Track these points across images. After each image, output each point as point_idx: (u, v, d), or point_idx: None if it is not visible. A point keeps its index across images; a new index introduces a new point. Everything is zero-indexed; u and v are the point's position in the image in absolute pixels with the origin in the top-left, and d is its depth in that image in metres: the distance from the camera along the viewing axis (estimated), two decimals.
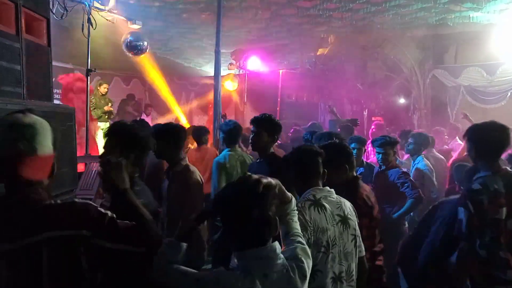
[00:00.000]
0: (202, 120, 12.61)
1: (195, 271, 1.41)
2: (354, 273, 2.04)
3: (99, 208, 1.41)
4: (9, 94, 2.14)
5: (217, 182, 3.51)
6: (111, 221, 1.38)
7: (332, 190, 2.10)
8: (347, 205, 2.10)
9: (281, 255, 1.37)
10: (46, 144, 1.39)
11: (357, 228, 2.09)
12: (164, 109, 11.86)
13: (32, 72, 2.34)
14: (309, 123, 6.18)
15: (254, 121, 3.14)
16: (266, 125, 3.10)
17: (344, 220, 2.02)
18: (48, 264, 1.28)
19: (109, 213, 1.40)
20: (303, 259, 1.44)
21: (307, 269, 1.42)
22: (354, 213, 2.12)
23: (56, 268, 1.30)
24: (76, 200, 1.44)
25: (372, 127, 6.97)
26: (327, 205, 1.98)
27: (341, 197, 2.12)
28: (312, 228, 1.88)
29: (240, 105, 11.00)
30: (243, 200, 1.32)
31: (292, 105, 9.56)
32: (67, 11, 3.77)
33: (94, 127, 8.20)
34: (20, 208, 1.30)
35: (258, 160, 3.24)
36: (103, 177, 1.55)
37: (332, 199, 2.05)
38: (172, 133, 2.80)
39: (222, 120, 5.20)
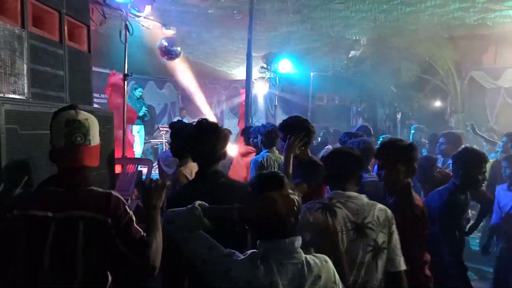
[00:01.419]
0: (232, 123, 12.72)
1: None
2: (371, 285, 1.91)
3: (126, 206, 1.67)
4: (53, 98, 2.25)
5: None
6: (129, 222, 1.64)
7: (362, 195, 2.00)
8: (375, 215, 1.95)
9: (300, 250, 1.43)
10: (96, 135, 1.70)
11: (381, 240, 1.93)
12: (196, 112, 12.05)
13: (74, 77, 2.45)
14: (358, 125, 6.05)
15: (283, 126, 2.91)
16: (296, 129, 2.81)
17: (359, 228, 1.90)
18: (83, 236, 1.57)
19: (131, 214, 1.66)
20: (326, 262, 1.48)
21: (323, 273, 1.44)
22: (384, 223, 1.96)
23: (89, 242, 1.58)
24: (113, 192, 1.69)
25: (412, 131, 6.75)
26: (339, 210, 1.90)
27: (373, 205, 1.98)
28: (313, 230, 1.85)
29: (271, 108, 11.02)
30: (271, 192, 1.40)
31: (324, 108, 9.49)
32: (105, 18, 3.92)
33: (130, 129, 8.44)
34: (71, 188, 1.62)
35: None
36: (145, 191, 1.74)
37: (352, 204, 1.94)
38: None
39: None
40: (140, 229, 1.66)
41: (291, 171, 2.66)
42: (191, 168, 2.84)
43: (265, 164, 3.60)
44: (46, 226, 1.55)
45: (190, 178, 2.69)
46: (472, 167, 2.78)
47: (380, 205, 2.01)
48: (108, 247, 1.60)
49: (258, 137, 3.97)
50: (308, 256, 1.44)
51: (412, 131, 6.66)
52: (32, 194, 1.67)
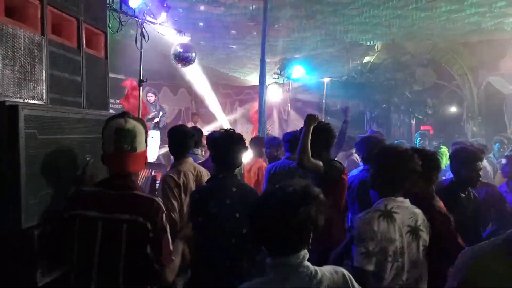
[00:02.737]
0: (245, 129, 12.74)
1: None
2: (424, 280, 2.08)
3: (165, 215, 1.85)
4: (71, 103, 2.29)
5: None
6: (163, 231, 1.81)
7: (407, 200, 2.09)
8: (420, 217, 2.10)
9: (307, 263, 1.37)
10: (142, 142, 1.87)
11: (428, 239, 2.09)
12: (209, 117, 12.11)
13: (91, 83, 2.49)
14: (369, 131, 6.04)
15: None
16: (318, 134, 2.87)
17: (414, 230, 2.04)
18: (126, 236, 1.74)
19: (167, 226, 1.85)
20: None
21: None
22: (427, 225, 2.11)
23: (130, 242, 1.75)
24: (156, 199, 1.86)
25: (418, 138, 6.69)
26: (397, 216, 2.00)
27: (415, 208, 2.11)
28: (379, 238, 1.94)
29: (284, 114, 11.02)
30: (283, 204, 1.33)
31: (337, 114, 9.42)
32: (122, 25, 3.98)
33: None
34: (118, 191, 1.80)
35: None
36: None
37: (405, 209, 2.06)
38: None
39: None
40: (171, 245, 1.86)
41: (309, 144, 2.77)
42: (184, 170, 3.03)
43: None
44: (95, 225, 1.73)
45: (179, 181, 2.95)
46: (465, 165, 2.86)
47: (417, 208, 2.13)
48: (142, 248, 1.76)
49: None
50: (318, 268, 1.39)
51: (418, 138, 6.56)
52: (85, 195, 1.82)
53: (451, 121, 9.82)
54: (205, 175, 3.16)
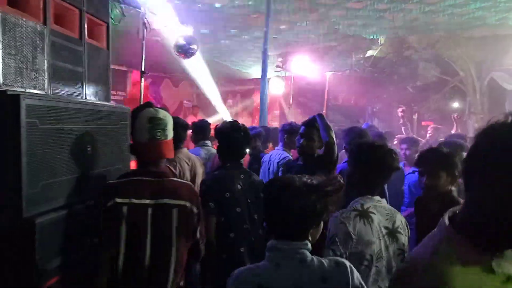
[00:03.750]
0: (247, 122, 12.74)
1: None
2: None
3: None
4: (72, 94, 2.29)
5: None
6: (201, 215, 1.99)
7: (383, 199, 1.97)
8: (399, 218, 1.96)
9: (304, 252, 1.39)
10: (171, 130, 1.95)
11: (406, 243, 1.94)
12: (210, 110, 12.11)
13: (93, 74, 2.48)
14: (364, 124, 6.03)
15: (307, 123, 3.01)
16: (317, 129, 2.95)
17: (391, 232, 1.89)
18: (177, 221, 1.83)
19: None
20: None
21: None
22: (406, 228, 1.98)
23: (180, 226, 1.84)
24: (191, 184, 2.06)
25: (429, 132, 6.65)
26: (374, 216, 1.86)
27: (393, 209, 1.99)
28: (355, 240, 1.78)
29: (286, 108, 11.00)
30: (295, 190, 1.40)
31: (339, 108, 9.41)
32: (124, 16, 3.96)
33: None
34: (157, 178, 1.87)
35: (299, 163, 3.09)
36: None
37: (381, 209, 1.92)
38: None
39: None
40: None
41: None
42: (179, 160, 3.16)
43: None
44: (145, 211, 1.80)
45: (175, 171, 3.06)
46: None
47: (394, 209, 2.01)
48: (192, 232, 1.89)
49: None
50: (317, 258, 1.40)
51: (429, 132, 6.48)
52: (126, 184, 1.86)
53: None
54: (198, 163, 3.33)
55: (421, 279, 0.85)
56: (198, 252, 2.03)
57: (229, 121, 2.76)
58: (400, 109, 6.95)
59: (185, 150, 3.35)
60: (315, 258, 1.40)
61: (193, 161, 3.28)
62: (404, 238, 1.93)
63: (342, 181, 1.49)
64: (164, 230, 1.82)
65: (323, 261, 1.39)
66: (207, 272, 2.52)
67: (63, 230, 1.90)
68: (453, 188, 2.36)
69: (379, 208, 1.91)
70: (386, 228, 1.88)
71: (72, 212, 1.97)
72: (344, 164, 3.52)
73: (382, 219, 1.89)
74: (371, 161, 1.92)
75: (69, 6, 2.29)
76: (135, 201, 1.80)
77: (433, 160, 2.32)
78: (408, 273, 0.91)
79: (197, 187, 3.32)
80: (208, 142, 4.20)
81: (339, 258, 1.46)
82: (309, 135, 2.98)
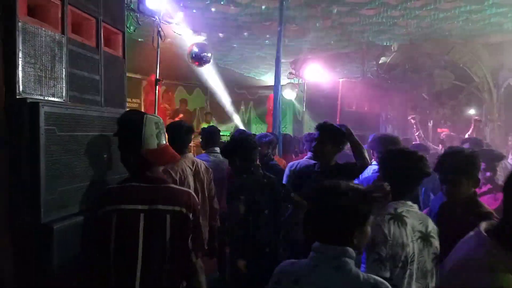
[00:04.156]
0: (260, 129, 12.75)
1: None
2: None
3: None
4: (89, 101, 2.33)
5: None
6: (199, 223, 1.90)
7: (415, 205, 2.00)
8: (431, 223, 1.99)
9: (348, 261, 1.38)
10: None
11: (439, 247, 1.97)
12: (223, 117, 12.16)
13: (109, 82, 2.52)
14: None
15: (319, 128, 3.00)
16: (331, 134, 2.93)
17: (425, 236, 1.93)
18: (170, 227, 1.76)
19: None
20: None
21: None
22: (437, 232, 2.00)
23: (174, 232, 1.77)
24: (190, 191, 1.94)
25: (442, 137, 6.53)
26: (408, 220, 1.90)
27: (424, 214, 2.03)
28: (391, 242, 1.82)
29: (298, 114, 10.98)
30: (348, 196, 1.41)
31: (352, 114, 9.34)
32: (139, 24, 4.03)
33: None
34: (154, 184, 1.81)
35: (317, 169, 3.05)
36: None
37: (414, 213, 1.96)
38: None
39: None
40: (203, 237, 1.96)
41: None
42: (181, 166, 3.14)
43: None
44: (137, 217, 1.73)
45: (175, 177, 3.05)
46: None
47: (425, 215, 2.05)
48: (185, 239, 1.80)
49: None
50: (360, 272, 1.38)
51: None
52: (118, 191, 1.80)
53: (470, 123, 9.62)
54: (204, 168, 3.31)
55: (476, 277, 0.97)
56: (190, 265, 1.86)
57: (238, 136, 3.00)
58: (410, 117, 6.88)
59: (189, 155, 3.33)
60: (354, 269, 1.37)
61: (197, 166, 3.26)
62: (437, 243, 1.96)
63: (388, 189, 1.52)
64: (157, 238, 1.74)
65: (361, 275, 1.37)
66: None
67: (80, 236, 1.92)
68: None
69: (412, 212, 1.95)
70: (420, 232, 1.92)
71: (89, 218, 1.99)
72: (375, 175, 3.48)
73: (416, 223, 1.93)
74: (402, 167, 1.98)
75: (86, 15, 2.34)
76: (125, 207, 1.73)
77: (451, 167, 2.25)
78: (462, 270, 1.02)
79: (202, 192, 3.31)
80: (217, 149, 4.16)
81: (380, 280, 1.40)
82: (320, 138, 2.96)
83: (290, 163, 3.88)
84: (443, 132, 7.18)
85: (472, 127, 6.12)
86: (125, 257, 1.70)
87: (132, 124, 1.81)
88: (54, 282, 1.76)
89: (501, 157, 3.54)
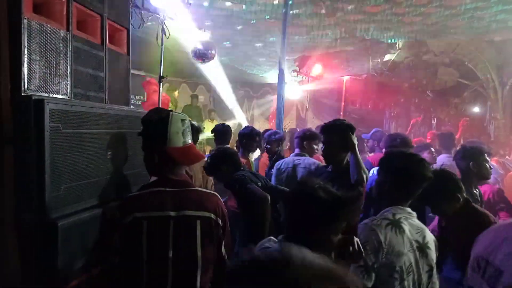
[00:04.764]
0: (263, 126, 12.75)
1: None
2: None
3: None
4: (93, 98, 2.33)
5: None
6: (228, 229, 1.85)
7: (414, 213, 1.90)
8: (428, 234, 1.89)
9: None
10: None
11: (434, 260, 1.88)
12: (227, 114, 12.16)
13: (113, 79, 2.52)
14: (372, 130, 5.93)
15: (324, 130, 2.87)
16: (337, 134, 2.78)
17: (422, 247, 1.81)
18: (200, 233, 1.70)
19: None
20: None
21: None
22: (434, 244, 1.91)
23: (205, 238, 1.71)
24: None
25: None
26: (406, 228, 1.79)
27: (422, 224, 1.92)
28: (386, 250, 1.72)
29: (302, 112, 10.96)
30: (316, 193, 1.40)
31: (356, 112, 9.33)
32: (144, 21, 4.02)
33: None
34: (180, 188, 1.74)
35: (328, 170, 2.96)
36: None
37: (412, 222, 1.86)
38: None
39: None
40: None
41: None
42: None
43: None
44: (167, 224, 1.67)
45: (190, 173, 3.20)
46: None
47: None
48: (217, 245, 1.74)
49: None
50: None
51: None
52: (144, 197, 1.73)
53: (474, 121, 9.58)
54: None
55: None
56: (223, 274, 1.79)
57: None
58: (413, 120, 6.88)
59: None
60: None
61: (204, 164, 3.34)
62: (433, 255, 1.86)
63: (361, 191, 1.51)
64: (187, 245, 1.70)
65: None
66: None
67: (85, 232, 1.92)
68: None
69: (410, 220, 1.85)
70: (416, 241, 1.81)
71: (94, 215, 2.00)
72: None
73: (413, 232, 1.82)
74: (401, 170, 1.87)
75: (91, 12, 2.34)
76: (155, 214, 1.68)
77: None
78: None
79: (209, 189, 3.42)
80: (229, 147, 4.21)
81: None
82: (327, 140, 2.86)
83: (277, 163, 3.88)
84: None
85: (459, 131, 6.11)
86: (156, 265, 1.67)
87: (157, 121, 1.76)
88: (59, 279, 1.76)
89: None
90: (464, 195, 2.30)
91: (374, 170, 3.76)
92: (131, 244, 1.66)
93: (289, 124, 11.61)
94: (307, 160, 3.69)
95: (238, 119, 11.88)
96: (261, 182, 2.86)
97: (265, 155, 4.62)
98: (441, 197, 2.21)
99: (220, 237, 1.77)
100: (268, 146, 4.36)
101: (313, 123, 9.26)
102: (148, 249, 1.65)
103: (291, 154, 3.93)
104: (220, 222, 1.75)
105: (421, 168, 1.87)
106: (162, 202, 1.70)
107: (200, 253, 1.70)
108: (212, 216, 1.73)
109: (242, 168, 2.98)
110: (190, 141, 1.78)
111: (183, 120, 1.77)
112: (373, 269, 1.70)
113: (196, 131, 3.34)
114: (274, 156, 4.29)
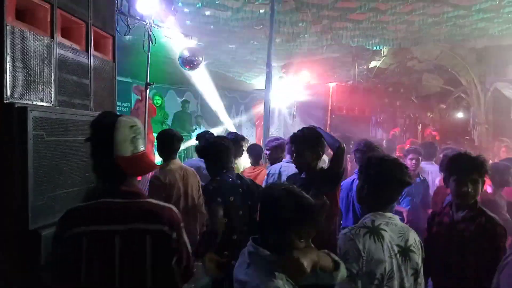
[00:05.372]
0: (251, 132, 12.76)
1: None
2: None
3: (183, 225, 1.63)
4: (78, 105, 2.30)
5: None
6: (186, 243, 1.61)
7: (396, 216, 1.88)
8: (412, 236, 1.86)
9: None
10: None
11: (420, 263, 1.85)
12: (214, 121, 12.14)
13: (99, 86, 2.50)
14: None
15: (292, 141, 2.87)
16: (305, 143, 2.78)
17: (404, 251, 1.78)
18: (151, 249, 1.49)
19: (187, 241, 1.63)
20: None
21: None
22: (419, 246, 1.88)
23: (157, 256, 1.51)
24: (172, 207, 1.62)
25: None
26: (385, 234, 1.77)
27: (406, 226, 1.90)
28: (365, 258, 1.69)
29: (289, 118, 11.01)
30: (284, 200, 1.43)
31: (343, 118, 9.41)
32: (130, 28, 4.01)
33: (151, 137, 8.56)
34: (130, 199, 1.53)
35: (302, 177, 2.93)
36: None
37: (393, 226, 1.82)
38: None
39: None
40: (191, 255, 1.64)
41: None
42: (171, 171, 3.28)
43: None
44: (111, 240, 1.47)
45: (165, 181, 3.19)
46: None
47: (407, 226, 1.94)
48: (168, 261, 1.54)
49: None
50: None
51: None
52: (89, 209, 1.53)
53: (458, 126, 9.77)
54: (192, 174, 3.43)
55: None
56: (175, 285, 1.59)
57: (211, 139, 2.91)
58: (391, 132, 6.99)
59: (177, 161, 3.47)
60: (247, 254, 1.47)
61: (185, 172, 3.37)
62: (417, 257, 1.83)
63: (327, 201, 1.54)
64: (137, 262, 1.49)
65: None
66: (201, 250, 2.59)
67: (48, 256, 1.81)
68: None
69: (391, 225, 1.82)
70: (398, 246, 1.78)
71: None
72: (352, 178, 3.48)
73: (395, 236, 1.79)
74: (380, 175, 1.84)
75: (76, 19, 2.33)
76: (98, 228, 1.46)
77: (466, 167, 2.23)
78: None
79: (191, 197, 3.37)
80: None
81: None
82: (296, 151, 2.84)
83: (269, 167, 3.92)
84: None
85: (420, 136, 6.23)
86: (100, 287, 1.47)
87: (104, 127, 1.54)
88: None
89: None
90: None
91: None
92: (70, 264, 1.45)
93: (277, 130, 11.66)
94: (291, 168, 3.70)
95: (226, 126, 11.88)
96: (234, 196, 2.69)
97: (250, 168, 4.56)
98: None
99: (173, 252, 1.55)
100: (268, 152, 4.33)
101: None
102: (88, 270, 1.44)
103: (283, 160, 3.96)
104: (174, 236, 1.54)
105: (399, 173, 1.84)
106: (106, 214, 1.49)
107: (150, 272, 1.50)
108: (165, 228, 1.52)
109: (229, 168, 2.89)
110: (142, 149, 1.58)
111: (132, 126, 1.55)
112: (360, 277, 1.69)
113: (177, 140, 3.38)
114: (276, 162, 4.22)
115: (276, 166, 3.87)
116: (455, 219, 2.28)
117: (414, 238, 1.86)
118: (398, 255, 1.76)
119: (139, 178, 3.85)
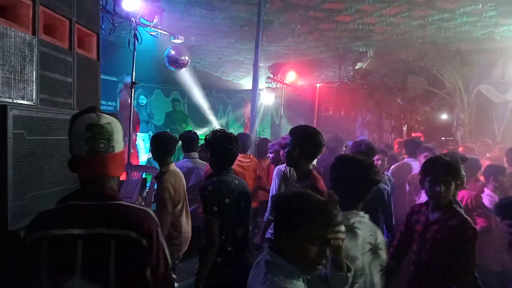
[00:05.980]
0: (237, 133, 12.73)
1: None
2: None
3: (159, 229, 1.49)
4: (61, 104, 2.27)
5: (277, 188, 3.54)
6: (162, 250, 1.47)
7: (366, 215, 1.94)
8: (380, 235, 1.94)
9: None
10: (120, 141, 1.50)
11: (385, 259, 1.93)
12: (201, 121, 12.09)
13: (82, 84, 2.47)
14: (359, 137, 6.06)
15: (283, 146, 2.92)
16: (299, 138, 2.65)
17: (374, 249, 1.86)
18: (115, 256, 1.37)
19: (165, 243, 1.49)
20: None
21: None
22: (386, 244, 1.96)
23: (122, 264, 1.38)
24: (148, 210, 1.50)
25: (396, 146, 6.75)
26: (359, 232, 1.83)
27: (374, 225, 1.97)
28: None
29: (276, 119, 11.03)
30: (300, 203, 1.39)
31: (329, 119, 9.47)
32: (115, 26, 3.96)
33: (135, 136, 8.50)
34: (97, 201, 1.42)
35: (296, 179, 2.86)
36: None
37: (365, 224, 1.89)
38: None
39: None
40: (170, 263, 1.51)
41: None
42: (176, 173, 3.26)
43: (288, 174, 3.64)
44: (73, 245, 1.36)
45: (175, 185, 3.16)
46: None
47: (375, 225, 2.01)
48: (138, 271, 1.41)
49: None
50: (264, 263, 1.44)
51: None
52: (53, 212, 1.44)
53: (442, 128, 9.91)
54: (182, 176, 3.42)
55: None
56: None
57: (219, 131, 2.74)
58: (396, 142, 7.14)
59: (173, 163, 3.42)
60: (264, 264, 1.42)
61: (178, 174, 3.37)
62: (384, 255, 1.91)
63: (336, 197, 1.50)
64: (100, 269, 1.37)
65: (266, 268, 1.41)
66: (202, 269, 2.52)
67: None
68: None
69: (363, 223, 1.88)
70: (370, 244, 1.84)
71: None
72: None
73: (367, 234, 1.85)
74: (351, 175, 1.90)
75: (59, 16, 2.29)
76: (58, 232, 1.36)
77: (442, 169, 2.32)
78: None
79: (187, 200, 3.36)
80: (194, 154, 4.15)
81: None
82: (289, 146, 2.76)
83: (277, 167, 3.90)
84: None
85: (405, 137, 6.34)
86: None
87: (70, 123, 1.47)
88: None
89: None
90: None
91: None
92: (30, 271, 1.36)
93: (264, 131, 11.67)
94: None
95: (213, 125, 11.85)
96: (229, 198, 2.58)
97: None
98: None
99: (144, 261, 1.41)
100: (271, 156, 4.43)
101: (287, 130, 9.33)
102: (49, 278, 1.35)
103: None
104: (144, 243, 1.40)
105: (370, 173, 1.91)
106: (69, 218, 1.39)
107: (114, 282, 1.37)
108: (133, 235, 1.39)
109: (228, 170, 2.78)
110: (105, 150, 1.43)
111: (91, 125, 1.41)
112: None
113: (170, 141, 3.29)
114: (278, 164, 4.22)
115: (281, 167, 3.89)
116: (430, 220, 2.37)
117: (381, 237, 1.93)
118: (369, 252, 1.83)
119: (123, 177, 3.84)
